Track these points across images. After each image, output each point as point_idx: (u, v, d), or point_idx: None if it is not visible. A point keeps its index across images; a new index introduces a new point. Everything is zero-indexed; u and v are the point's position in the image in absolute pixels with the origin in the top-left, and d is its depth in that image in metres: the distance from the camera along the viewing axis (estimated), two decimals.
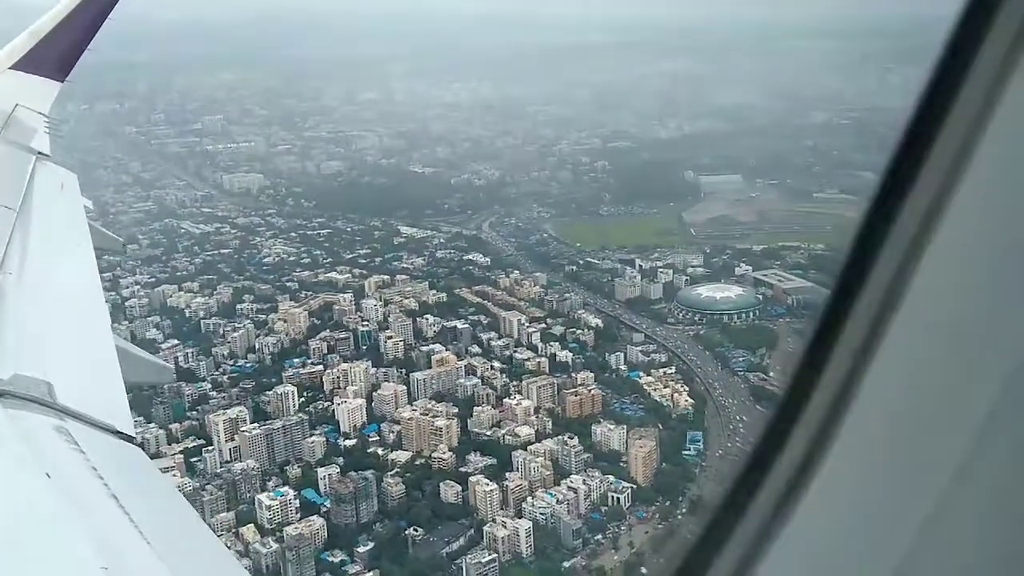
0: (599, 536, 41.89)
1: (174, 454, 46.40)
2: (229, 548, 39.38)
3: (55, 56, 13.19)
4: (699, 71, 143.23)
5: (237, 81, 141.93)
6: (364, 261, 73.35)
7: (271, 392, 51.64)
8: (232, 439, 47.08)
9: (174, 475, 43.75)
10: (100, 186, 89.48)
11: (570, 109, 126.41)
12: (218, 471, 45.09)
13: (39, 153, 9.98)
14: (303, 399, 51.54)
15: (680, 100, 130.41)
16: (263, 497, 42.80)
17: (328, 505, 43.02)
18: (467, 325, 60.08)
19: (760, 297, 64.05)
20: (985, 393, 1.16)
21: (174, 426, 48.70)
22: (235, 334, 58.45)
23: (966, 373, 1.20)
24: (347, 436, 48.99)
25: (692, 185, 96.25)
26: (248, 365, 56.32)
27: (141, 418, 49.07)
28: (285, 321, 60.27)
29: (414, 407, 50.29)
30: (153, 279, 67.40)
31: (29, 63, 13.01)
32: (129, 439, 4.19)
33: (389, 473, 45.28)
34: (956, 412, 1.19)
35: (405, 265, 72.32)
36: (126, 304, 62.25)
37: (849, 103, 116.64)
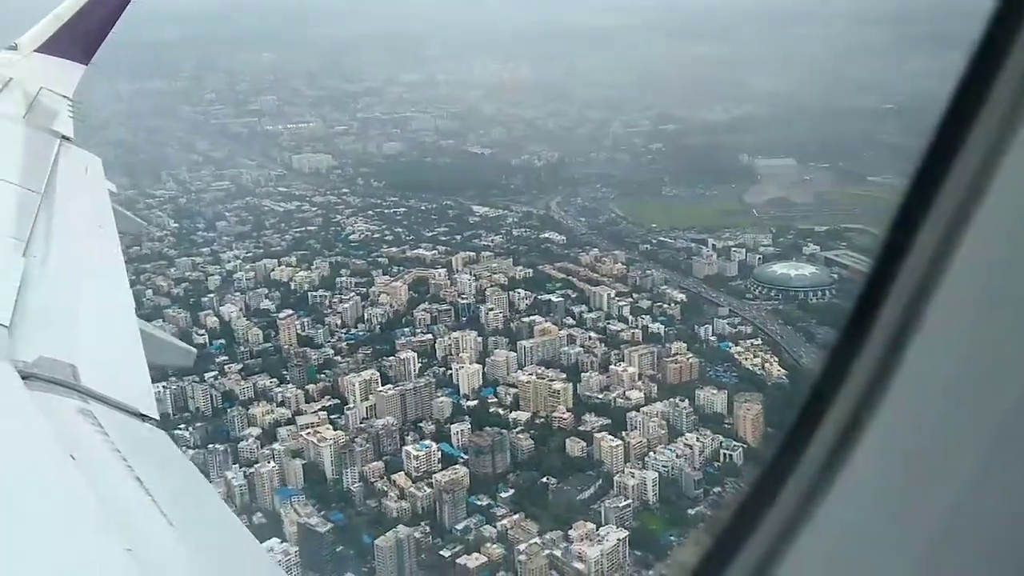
0: (717, 488, 47.46)
1: (314, 411, 52.18)
2: (384, 492, 45.39)
3: (79, 39, 13.72)
4: (733, 54, 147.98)
5: (277, 61, 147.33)
6: (445, 238, 78.70)
7: (392, 358, 57.30)
8: (367, 398, 52.72)
9: (319, 430, 49.78)
10: (173, 165, 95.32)
11: (613, 91, 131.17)
12: (360, 426, 50.73)
13: (63, 136, 10.24)
14: (421, 365, 57.12)
15: (721, 83, 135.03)
16: (410, 448, 48.47)
17: (465, 457, 48.62)
18: (560, 298, 65.51)
19: (835, 276, 69.34)
20: (1011, 397, 1.18)
21: (310, 387, 54.34)
22: (343, 305, 63.96)
23: (992, 376, 1.22)
24: (467, 398, 54.60)
25: (747, 167, 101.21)
26: (360, 333, 61.85)
27: (274, 380, 55.25)
28: (388, 294, 65.74)
29: (526, 372, 55.85)
30: (251, 254, 72.97)
31: (53, 46, 13.51)
32: (153, 421, 4.25)
33: (515, 430, 50.87)
34: (981, 414, 1.21)
35: (485, 243, 77.64)
36: (234, 277, 67.95)
37: (892, 88, 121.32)
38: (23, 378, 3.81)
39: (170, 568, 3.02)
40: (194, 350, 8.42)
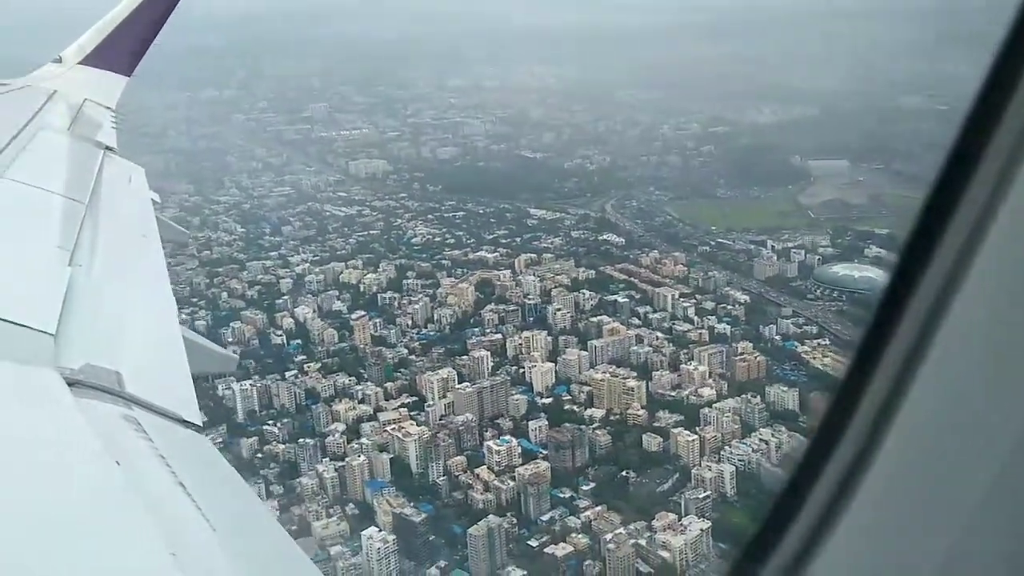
0: None
1: (395, 408, 54.54)
2: (469, 485, 47.59)
3: (121, 51, 14.20)
4: (777, 53, 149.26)
5: (324, 67, 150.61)
6: (505, 241, 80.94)
7: (465, 357, 59.55)
8: (445, 396, 54.97)
9: (403, 426, 52.11)
10: (234, 171, 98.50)
11: (659, 93, 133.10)
12: (440, 423, 52.96)
13: (106, 147, 10.48)
14: (494, 363, 59.28)
15: (767, 84, 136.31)
16: (491, 443, 50.65)
17: (545, 452, 50.69)
18: (625, 299, 67.44)
19: None
20: None
21: (388, 385, 56.70)
22: (413, 306, 66.34)
23: (1018, 373, 1.23)
24: (541, 395, 56.66)
25: (800, 169, 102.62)
26: (431, 333, 64.18)
27: (352, 379, 57.66)
28: (455, 295, 68.03)
29: (598, 371, 57.84)
30: (317, 257, 75.61)
31: (96, 58, 13.98)
32: (195, 427, 4.37)
33: (591, 427, 52.88)
34: (1007, 412, 1.22)
35: (545, 245, 79.81)
36: (305, 280, 70.57)
37: (938, 88, 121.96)
38: (69, 385, 3.89)
39: (212, 572, 3.14)
40: (236, 356, 8.14)
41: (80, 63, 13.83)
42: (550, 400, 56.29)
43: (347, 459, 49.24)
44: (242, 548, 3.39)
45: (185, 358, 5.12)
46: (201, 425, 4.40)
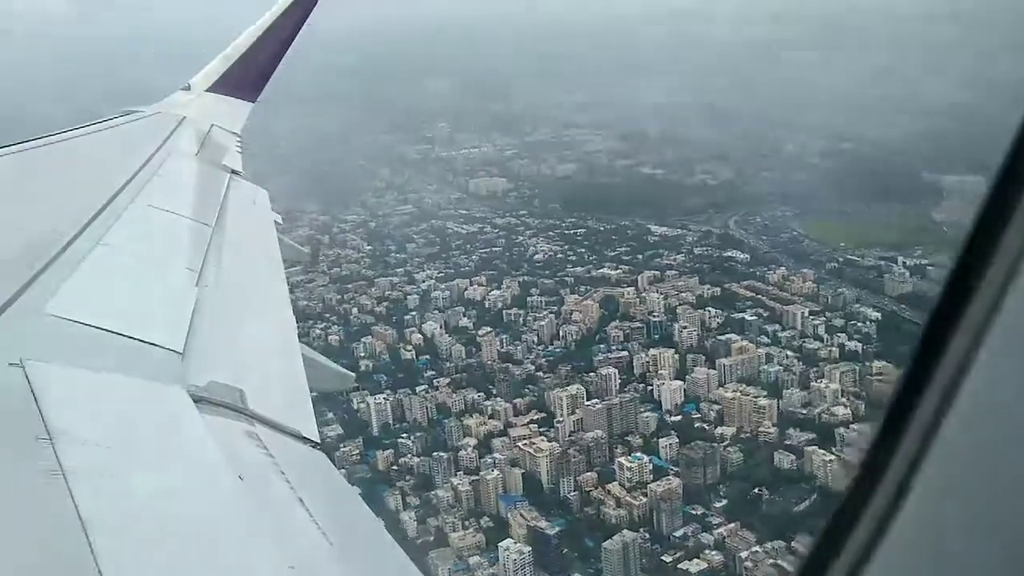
0: None
1: (524, 424, 55.75)
2: (601, 500, 48.32)
3: (246, 78, 14.82)
4: (896, 64, 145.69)
5: (442, 88, 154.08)
6: (627, 258, 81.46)
7: (593, 374, 60.37)
8: (574, 412, 55.90)
9: (535, 441, 53.24)
10: (360, 191, 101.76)
11: (779, 109, 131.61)
12: (570, 439, 53.90)
13: (232, 171, 10.96)
14: (621, 380, 59.93)
15: (891, 97, 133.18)
16: (622, 460, 51.35)
17: (676, 469, 51.07)
18: (753, 317, 67.19)
19: None
20: None
21: (517, 401, 57.96)
22: (538, 323, 67.56)
23: None
24: (670, 413, 57.03)
25: (932, 184, 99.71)
26: (557, 350, 65.22)
27: (481, 394, 59.10)
28: (579, 312, 68.96)
29: (727, 389, 57.88)
30: (442, 274, 77.64)
31: (223, 85, 14.58)
32: (314, 444, 4.51)
33: (722, 444, 53.00)
34: None
35: (668, 262, 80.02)
36: (431, 296, 72.61)
37: None
38: (195, 402, 4.07)
39: None
40: (352, 375, 8.72)
41: (208, 90, 14.50)
42: (679, 418, 56.62)
43: (481, 473, 50.59)
44: (358, 562, 3.59)
45: (304, 376, 5.35)
46: (319, 442, 4.56)
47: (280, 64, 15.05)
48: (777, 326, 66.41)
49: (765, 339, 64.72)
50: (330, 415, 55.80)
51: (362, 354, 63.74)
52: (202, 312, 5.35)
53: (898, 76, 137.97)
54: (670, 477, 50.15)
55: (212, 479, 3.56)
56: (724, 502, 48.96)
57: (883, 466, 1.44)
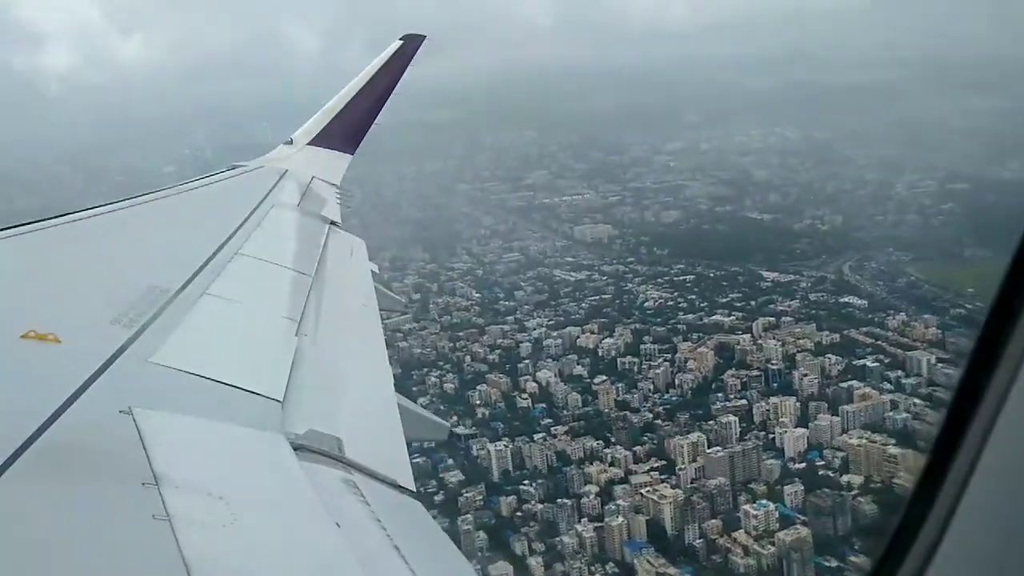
0: None
1: (645, 471, 56.16)
2: (728, 548, 48.32)
3: (345, 131, 15.71)
4: (1012, 106, 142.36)
5: (539, 137, 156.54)
6: (740, 304, 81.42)
7: (712, 422, 60.55)
8: (695, 460, 56.15)
9: (658, 488, 53.62)
10: (463, 239, 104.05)
11: (886, 150, 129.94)
12: (692, 486, 54.13)
13: (331, 222, 11.57)
14: (741, 428, 59.94)
15: (1006, 138, 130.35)
16: (747, 507, 51.33)
17: (803, 517, 50.81)
18: (875, 363, 66.50)
19: None
20: None
21: (636, 448, 58.47)
22: (653, 371, 68.06)
23: None
24: (793, 460, 56.80)
25: None
26: (674, 398, 65.53)
27: (600, 443, 59.76)
28: (694, 360, 69.24)
29: (853, 436, 57.40)
30: (552, 322, 78.81)
31: (323, 139, 15.46)
32: (410, 493, 4.63)
33: (851, 493, 52.54)
34: None
35: (782, 308, 79.71)
36: (543, 344, 73.80)
37: None
38: (295, 449, 4.21)
39: None
40: (447, 424, 8.84)
41: (309, 144, 15.37)
42: (803, 465, 56.34)
43: (605, 519, 51.14)
44: None
45: (400, 426, 5.51)
46: (415, 491, 4.69)
47: (378, 117, 15.97)
48: (901, 372, 65.56)
49: (888, 385, 64.00)
50: (450, 461, 57.27)
51: (478, 402, 65.13)
52: (301, 361, 5.61)
53: (1013, 117, 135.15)
54: (798, 526, 49.92)
55: (310, 526, 3.71)
56: (862, 557, 48.36)
57: (944, 468, 1.61)
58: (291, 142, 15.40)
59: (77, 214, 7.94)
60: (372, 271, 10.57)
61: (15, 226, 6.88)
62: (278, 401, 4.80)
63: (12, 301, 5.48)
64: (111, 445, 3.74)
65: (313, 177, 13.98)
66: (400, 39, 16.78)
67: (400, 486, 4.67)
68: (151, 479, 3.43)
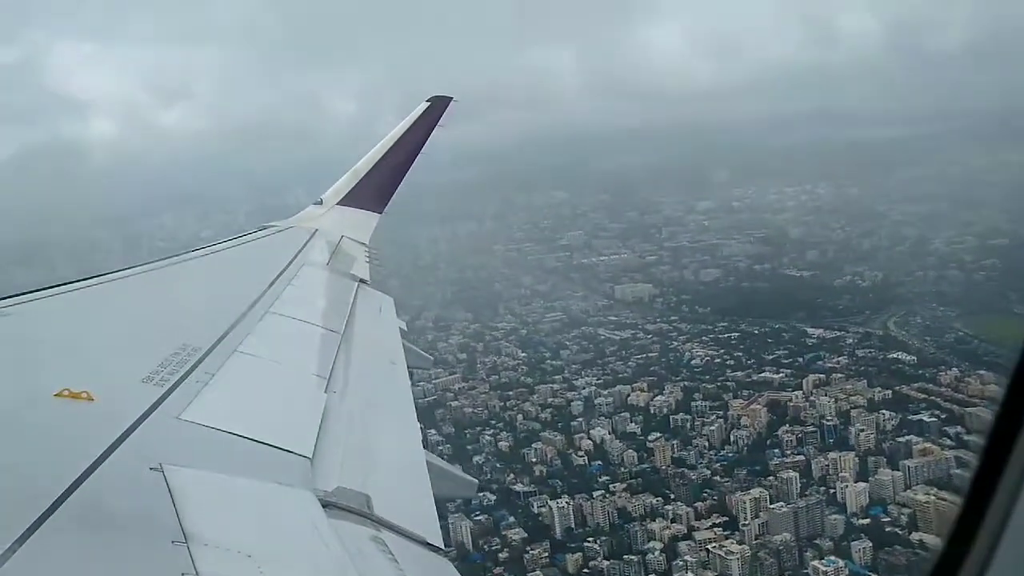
0: None
1: (708, 527, 56.56)
2: None
3: (374, 191, 16.20)
4: None
5: (570, 198, 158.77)
6: (787, 361, 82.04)
7: (771, 477, 60.98)
8: (758, 515, 56.51)
9: (725, 544, 53.98)
10: (504, 299, 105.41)
11: (922, 206, 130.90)
12: (756, 542, 54.44)
13: (360, 280, 11.79)
14: (801, 484, 60.31)
15: None
16: (817, 564, 51.58)
17: (874, 574, 50.99)
18: (932, 418, 66.86)
19: None
20: None
21: (697, 505, 58.90)
22: (707, 428, 68.69)
23: None
24: (856, 516, 57.07)
25: None
26: (730, 455, 66.04)
27: (659, 499, 60.22)
28: (747, 416, 69.81)
29: (917, 492, 57.66)
30: (601, 380, 79.61)
31: (352, 199, 15.93)
32: (438, 550, 4.71)
33: (923, 550, 52.66)
34: None
35: (831, 364, 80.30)
36: (594, 402, 74.56)
37: None
38: (324, 506, 4.26)
39: None
40: (476, 481, 8.79)
41: (338, 204, 15.81)
42: (867, 521, 56.57)
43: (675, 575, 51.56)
44: None
45: (429, 482, 5.56)
46: (443, 548, 4.73)
47: (406, 176, 16.53)
48: (960, 428, 65.81)
49: (949, 441, 64.26)
50: (511, 519, 57.88)
51: (534, 459, 65.86)
52: (330, 418, 5.70)
53: None
54: None
55: None
56: None
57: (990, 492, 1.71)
58: (320, 202, 15.98)
59: (112, 275, 8.16)
60: (400, 328, 10.61)
61: (54, 286, 7.07)
62: (307, 458, 4.84)
63: (49, 359, 5.65)
64: (141, 502, 3.77)
65: (342, 236, 14.43)
66: (427, 100, 17.29)
67: (429, 543, 4.70)
68: (180, 537, 3.47)
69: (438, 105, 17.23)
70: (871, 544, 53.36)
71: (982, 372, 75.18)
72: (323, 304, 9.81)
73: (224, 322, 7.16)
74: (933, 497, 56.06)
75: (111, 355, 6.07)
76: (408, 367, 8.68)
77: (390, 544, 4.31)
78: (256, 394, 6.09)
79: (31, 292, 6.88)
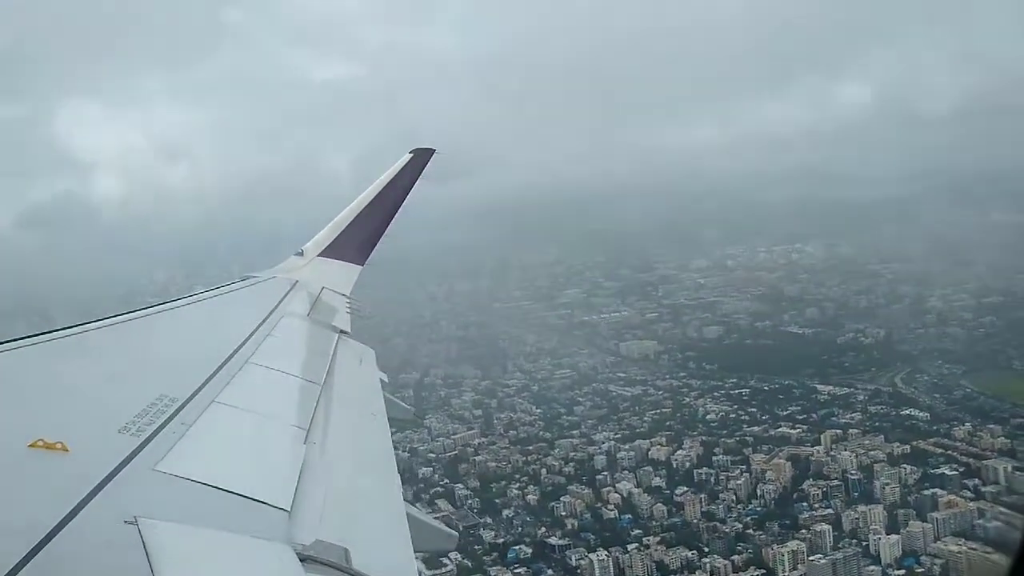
0: None
1: None
2: None
3: (355, 243, 16.30)
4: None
5: (564, 256, 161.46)
6: (801, 417, 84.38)
7: (805, 531, 62.89)
8: (795, 567, 58.31)
9: None
10: (511, 356, 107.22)
11: (914, 265, 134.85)
12: None
13: (341, 331, 11.83)
14: (833, 536, 62.25)
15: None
16: None
17: None
18: (954, 472, 69.23)
19: None
20: None
21: (734, 558, 60.59)
22: (734, 482, 70.62)
23: None
24: (891, 567, 59.03)
25: None
26: (758, 508, 67.90)
27: (694, 552, 61.83)
28: (772, 471, 71.83)
29: (946, 543, 59.77)
30: (619, 435, 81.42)
31: (333, 250, 16.02)
32: None
33: None
34: None
35: (845, 420, 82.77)
36: (616, 456, 76.31)
37: None
38: (301, 560, 4.24)
39: None
40: (456, 533, 8.75)
41: (319, 255, 15.85)
42: (902, 572, 58.53)
43: None
44: None
45: (408, 535, 5.54)
46: None
47: (387, 230, 16.67)
48: (977, 480, 68.22)
49: (968, 493, 66.56)
50: (550, 572, 59.25)
51: (563, 513, 67.40)
52: (309, 470, 5.62)
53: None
54: None
55: None
56: None
57: None
58: (302, 253, 16.01)
59: (89, 324, 8.10)
60: (381, 379, 10.69)
61: (31, 335, 7.06)
62: (285, 511, 4.83)
63: (23, 410, 5.56)
64: (114, 557, 3.73)
65: (323, 288, 14.43)
66: (410, 152, 17.46)
67: None
68: None
69: (420, 157, 17.44)
70: None
71: (992, 426, 78.05)
72: (303, 355, 9.86)
73: (203, 372, 7.12)
74: (965, 548, 58.17)
75: (87, 405, 5.98)
76: (389, 418, 8.63)
77: None
78: (234, 445, 6.04)
79: (7, 341, 6.78)
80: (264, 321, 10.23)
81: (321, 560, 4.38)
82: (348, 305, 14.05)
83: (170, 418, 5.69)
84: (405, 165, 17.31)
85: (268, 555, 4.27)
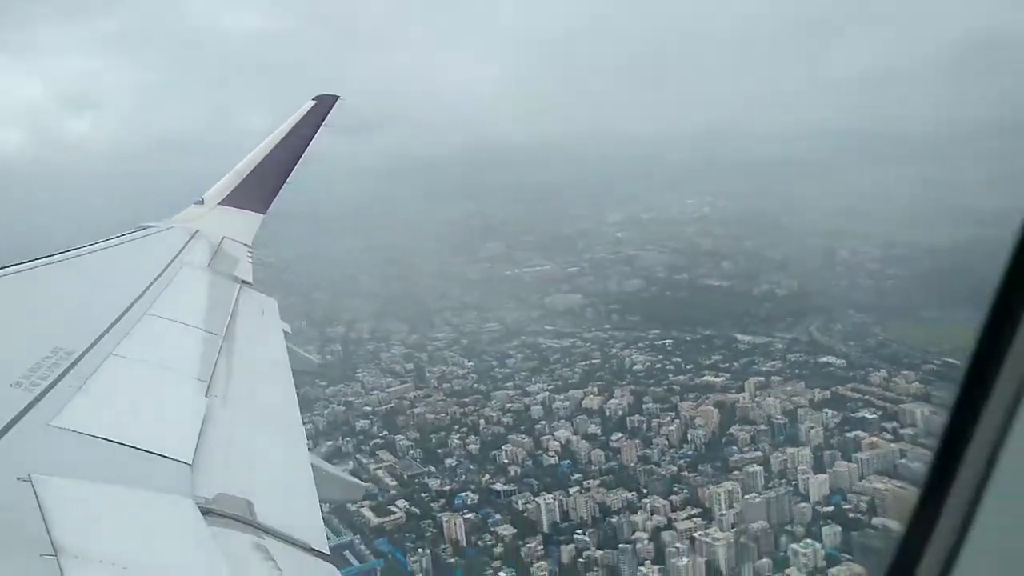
0: None
1: (686, 518, 61.44)
2: None
3: (257, 191, 16.04)
4: (943, 175, 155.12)
5: (483, 210, 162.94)
6: (724, 365, 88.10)
7: (737, 472, 66.34)
8: (732, 506, 61.72)
9: (709, 531, 58.91)
10: (438, 310, 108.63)
11: (825, 220, 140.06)
12: (734, 530, 59.62)
13: (243, 281, 11.57)
14: (764, 477, 65.90)
15: (939, 206, 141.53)
16: (796, 547, 57.13)
17: (849, 556, 56.72)
18: (874, 415, 73.63)
19: None
20: None
21: (672, 498, 63.76)
22: (666, 428, 73.79)
23: None
24: (820, 504, 62.93)
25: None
26: (689, 452, 71.18)
27: (634, 494, 64.74)
28: (701, 417, 75.22)
29: (871, 481, 63.93)
30: (551, 386, 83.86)
31: (234, 198, 15.75)
32: (323, 556, 4.63)
33: (889, 533, 58.74)
34: None
35: (767, 368, 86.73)
36: (552, 406, 78.77)
37: None
38: (203, 514, 4.17)
39: None
40: (363, 484, 8.65)
41: (220, 204, 15.56)
42: (831, 508, 62.43)
43: (670, 560, 56.07)
44: None
45: (314, 487, 5.47)
46: (329, 553, 4.71)
47: (289, 178, 16.51)
48: (895, 423, 72.67)
49: (888, 435, 70.92)
50: (497, 516, 61.60)
51: (505, 460, 69.64)
52: (211, 422, 5.52)
53: (942, 185, 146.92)
54: (842, 565, 55.77)
55: None
56: None
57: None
58: (202, 202, 15.62)
59: None
60: (284, 330, 10.52)
61: None
62: (187, 464, 4.73)
63: None
64: (8, 514, 3.63)
65: (224, 237, 14.10)
66: (313, 99, 17.37)
67: (313, 549, 4.68)
68: (50, 549, 3.36)
69: (324, 103, 17.35)
70: (840, 528, 58.91)
71: (905, 372, 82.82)
72: (203, 306, 9.56)
73: (99, 324, 6.94)
74: (891, 485, 62.33)
75: None
76: (293, 370, 8.52)
77: (273, 551, 4.24)
78: (132, 398, 5.88)
79: None
80: (163, 272, 10.08)
81: (224, 513, 4.37)
82: (250, 255, 13.93)
83: (65, 372, 5.55)
84: (308, 112, 17.22)
85: (169, 509, 4.20)
